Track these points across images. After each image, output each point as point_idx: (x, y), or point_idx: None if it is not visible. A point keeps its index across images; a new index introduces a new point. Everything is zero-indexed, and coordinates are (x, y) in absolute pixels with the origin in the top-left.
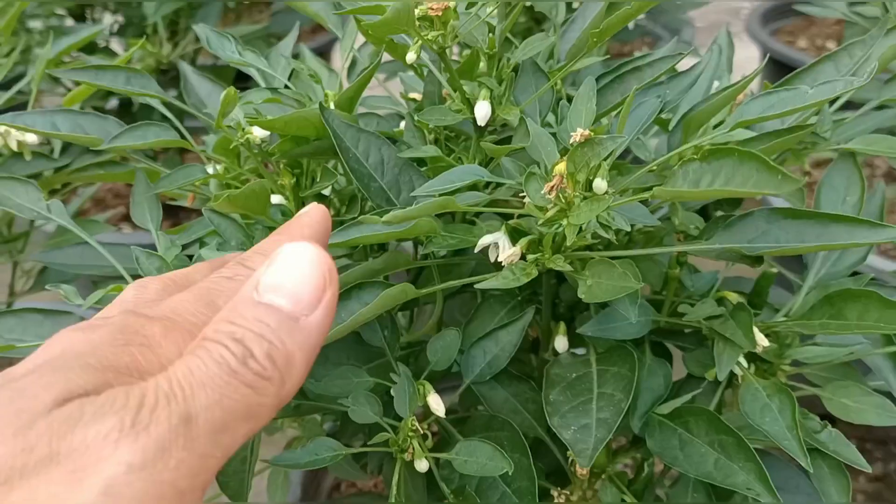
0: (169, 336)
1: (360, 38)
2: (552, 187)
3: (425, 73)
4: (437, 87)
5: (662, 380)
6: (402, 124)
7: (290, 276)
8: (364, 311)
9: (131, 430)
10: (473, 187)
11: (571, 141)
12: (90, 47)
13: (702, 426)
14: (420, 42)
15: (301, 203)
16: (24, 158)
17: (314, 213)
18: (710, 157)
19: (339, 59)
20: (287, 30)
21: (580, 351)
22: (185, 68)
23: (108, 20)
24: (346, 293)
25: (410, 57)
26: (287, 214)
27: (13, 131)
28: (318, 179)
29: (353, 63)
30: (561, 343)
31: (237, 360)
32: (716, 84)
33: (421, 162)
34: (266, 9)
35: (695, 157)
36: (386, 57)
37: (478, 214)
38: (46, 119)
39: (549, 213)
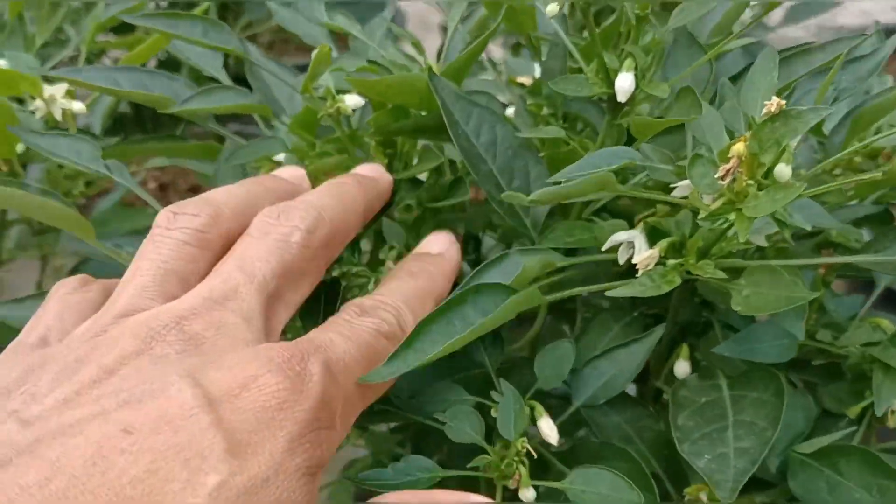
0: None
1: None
2: (728, 171)
3: (544, 53)
4: (562, 63)
5: (802, 414)
6: (510, 111)
7: None
8: (487, 321)
9: None
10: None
11: (764, 111)
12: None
13: (854, 468)
14: None
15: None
16: (67, 133)
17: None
18: None
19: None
20: None
21: None
22: (252, 50)
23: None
24: (459, 297)
25: (552, 8)
26: None
27: (59, 98)
28: (411, 163)
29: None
30: (682, 368)
31: None
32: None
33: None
34: None
35: None
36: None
37: (596, 213)
38: (107, 76)
39: (714, 205)
